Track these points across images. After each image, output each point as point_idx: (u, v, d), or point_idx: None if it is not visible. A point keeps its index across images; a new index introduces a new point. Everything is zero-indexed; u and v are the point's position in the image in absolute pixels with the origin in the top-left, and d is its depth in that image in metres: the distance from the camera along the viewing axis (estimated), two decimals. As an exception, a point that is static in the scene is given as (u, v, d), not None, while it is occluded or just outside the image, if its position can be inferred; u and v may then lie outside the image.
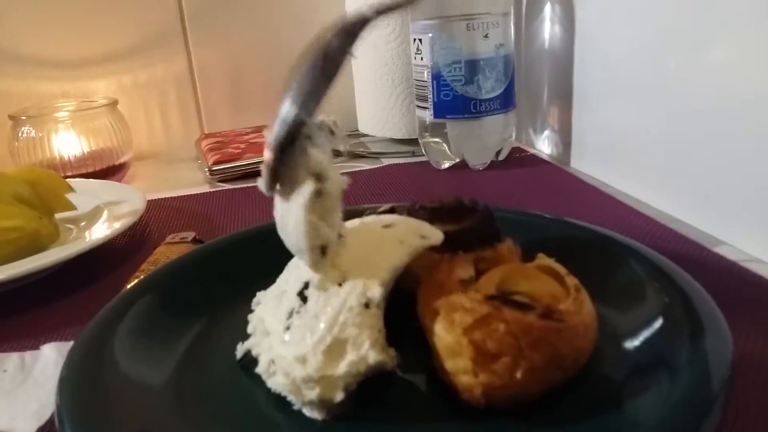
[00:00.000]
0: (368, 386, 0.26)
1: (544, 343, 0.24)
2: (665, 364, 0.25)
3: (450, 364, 0.25)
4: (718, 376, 0.23)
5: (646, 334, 0.28)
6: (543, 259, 0.30)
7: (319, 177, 0.26)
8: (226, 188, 0.63)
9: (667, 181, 0.47)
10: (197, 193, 0.62)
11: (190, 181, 0.67)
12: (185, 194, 0.62)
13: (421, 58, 0.59)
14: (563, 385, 0.25)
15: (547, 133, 0.65)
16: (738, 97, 0.39)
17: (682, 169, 0.45)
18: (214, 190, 0.63)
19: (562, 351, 0.24)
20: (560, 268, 0.29)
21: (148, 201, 0.53)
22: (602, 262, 0.32)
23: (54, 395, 0.29)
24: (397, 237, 0.31)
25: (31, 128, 0.64)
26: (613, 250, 0.33)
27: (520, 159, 0.64)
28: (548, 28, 0.61)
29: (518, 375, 0.24)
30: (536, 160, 0.63)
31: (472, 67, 0.57)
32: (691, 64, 0.43)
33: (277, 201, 0.27)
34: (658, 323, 0.28)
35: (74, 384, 0.26)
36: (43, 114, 0.66)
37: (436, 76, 0.58)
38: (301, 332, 0.27)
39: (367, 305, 0.27)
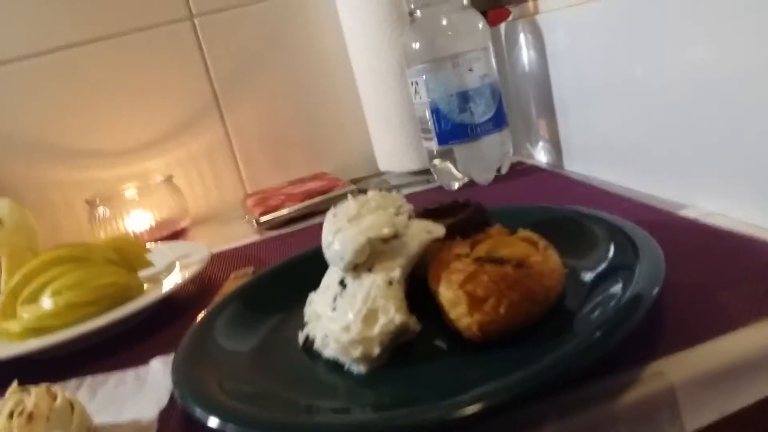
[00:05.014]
0: (399, 347, 0.35)
1: (518, 284, 0.32)
2: (614, 287, 0.33)
3: (453, 312, 0.34)
4: (648, 291, 0.31)
5: (600, 272, 0.36)
6: (522, 232, 0.38)
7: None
8: (273, 235, 0.73)
9: (642, 164, 0.55)
10: (249, 243, 0.72)
11: (241, 234, 0.77)
12: (239, 245, 0.72)
13: (420, 98, 0.69)
14: (541, 316, 0.33)
15: (540, 144, 0.74)
16: (693, 94, 0.46)
17: (653, 153, 0.53)
18: (262, 238, 0.73)
19: (533, 289, 0.33)
20: (534, 235, 0.37)
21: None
22: (569, 227, 0.41)
23: (165, 393, 0.39)
24: (410, 234, 0.40)
25: (105, 209, 0.76)
26: (577, 218, 0.42)
27: (520, 170, 0.72)
28: (525, 54, 0.71)
29: (501, 310, 0.32)
30: (534, 169, 0.72)
31: (464, 97, 0.66)
32: (651, 68, 0.50)
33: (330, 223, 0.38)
34: (608, 264, 0.37)
35: (185, 357, 0.37)
36: (113, 196, 0.79)
37: (435, 111, 0.68)
38: (343, 309, 0.36)
39: (390, 282, 0.36)
